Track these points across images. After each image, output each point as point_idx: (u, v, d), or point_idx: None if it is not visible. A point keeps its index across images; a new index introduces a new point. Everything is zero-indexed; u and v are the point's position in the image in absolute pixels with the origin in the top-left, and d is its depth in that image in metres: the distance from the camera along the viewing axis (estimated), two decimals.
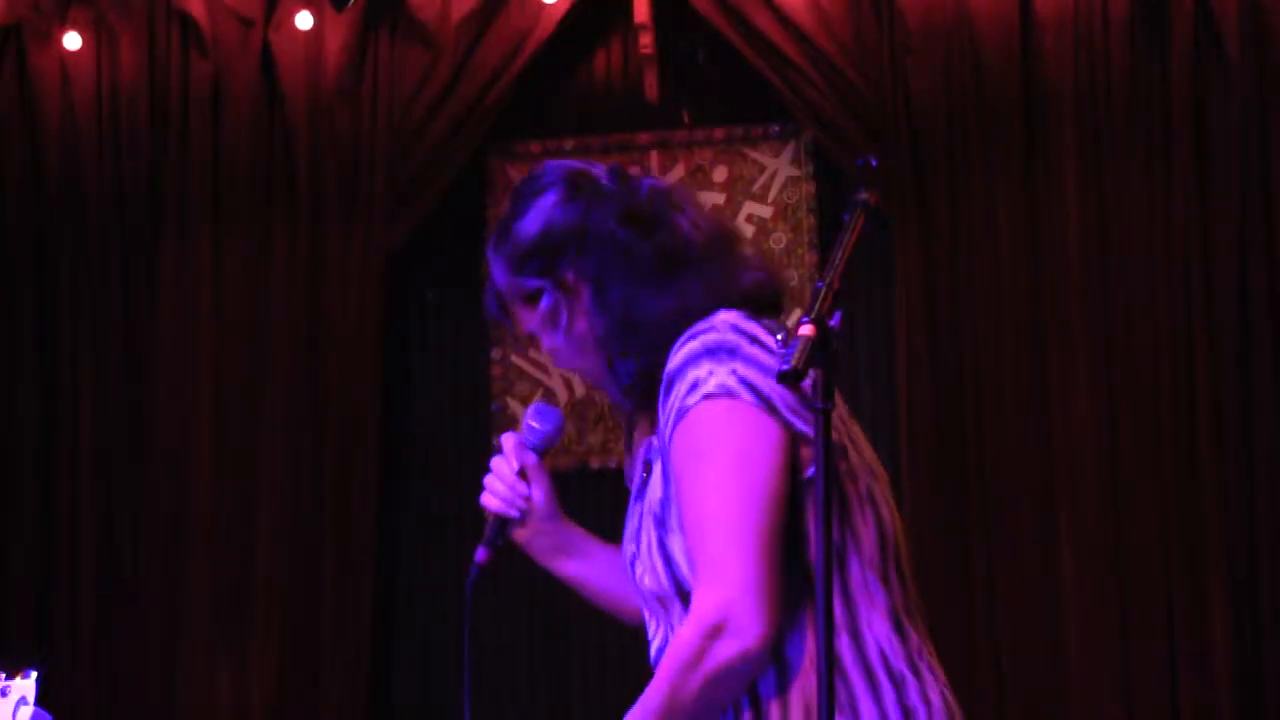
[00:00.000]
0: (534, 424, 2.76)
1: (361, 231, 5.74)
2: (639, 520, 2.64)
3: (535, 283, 2.66)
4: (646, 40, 5.55)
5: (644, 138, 5.77)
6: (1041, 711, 5.36)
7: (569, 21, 5.59)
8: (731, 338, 2.50)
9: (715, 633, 2.42)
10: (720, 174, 5.76)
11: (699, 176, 5.77)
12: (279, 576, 5.79)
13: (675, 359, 2.57)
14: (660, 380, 2.59)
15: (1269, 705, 5.27)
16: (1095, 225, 5.35)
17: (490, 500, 2.76)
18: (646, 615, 2.66)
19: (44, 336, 5.95)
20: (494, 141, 5.77)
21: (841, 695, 2.44)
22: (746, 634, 2.41)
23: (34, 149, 5.88)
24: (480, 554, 2.79)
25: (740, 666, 2.45)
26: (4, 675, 3.18)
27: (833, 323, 2.16)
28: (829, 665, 2.16)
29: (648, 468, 2.69)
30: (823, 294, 2.18)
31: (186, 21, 5.75)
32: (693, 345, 2.56)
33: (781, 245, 5.70)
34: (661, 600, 2.61)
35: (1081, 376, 5.31)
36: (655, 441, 2.67)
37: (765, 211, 5.72)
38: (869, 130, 5.40)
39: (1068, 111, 5.32)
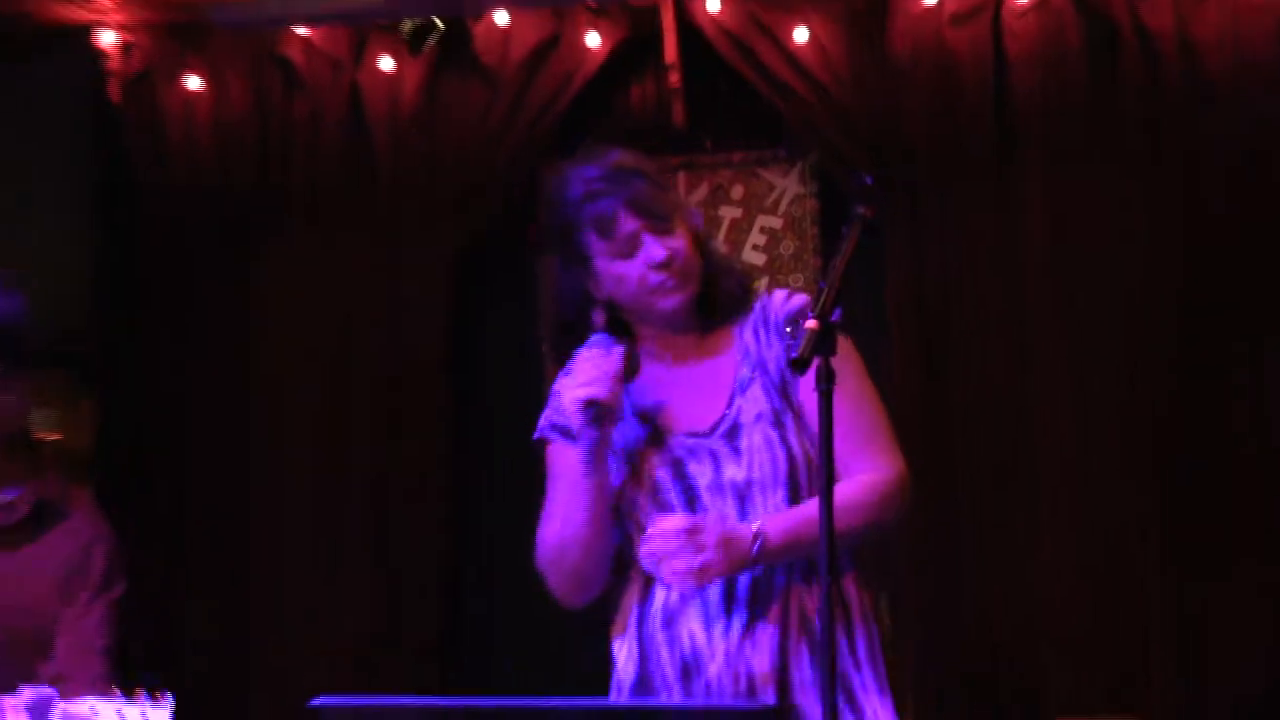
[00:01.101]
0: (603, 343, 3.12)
1: (433, 238, 6.05)
2: (742, 431, 3.10)
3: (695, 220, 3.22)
4: (675, 77, 5.90)
5: (673, 160, 5.98)
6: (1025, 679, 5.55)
7: (610, 61, 5.95)
8: None
9: (899, 488, 3.07)
10: (738, 191, 6.04)
11: (719, 193, 6.05)
12: (368, 529, 6.03)
13: (786, 302, 3.19)
14: (731, 308, 3.20)
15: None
16: (1059, 229, 5.62)
17: (581, 388, 3.03)
18: (702, 505, 3.07)
19: (174, 329, 6.22)
20: (547, 161, 5.80)
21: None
22: (908, 496, 3.10)
23: (164, 170, 6.17)
24: (586, 436, 3.07)
25: (900, 512, 3.12)
26: (145, 699, 3.46)
27: (833, 318, 2.64)
28: (830, 606, 2.59)
29: (756, 370, 3.16)
30: (824, 294, 2.65)
31: (287, 64, 6.10)
32: (796, 297, 3.20)
33: (790, 252, 5.99)
34: (750, 486, 3.07)
35: (1052, 362, 5.59)
36: (749, 362, 3.18)
37: (776, 223, 6.01)
38: (864, 154, 5.65)
39: (1035, 132, 5.62)
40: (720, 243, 3.26)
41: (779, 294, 3.24)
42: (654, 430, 3.17)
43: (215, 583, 6.10)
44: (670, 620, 3.10)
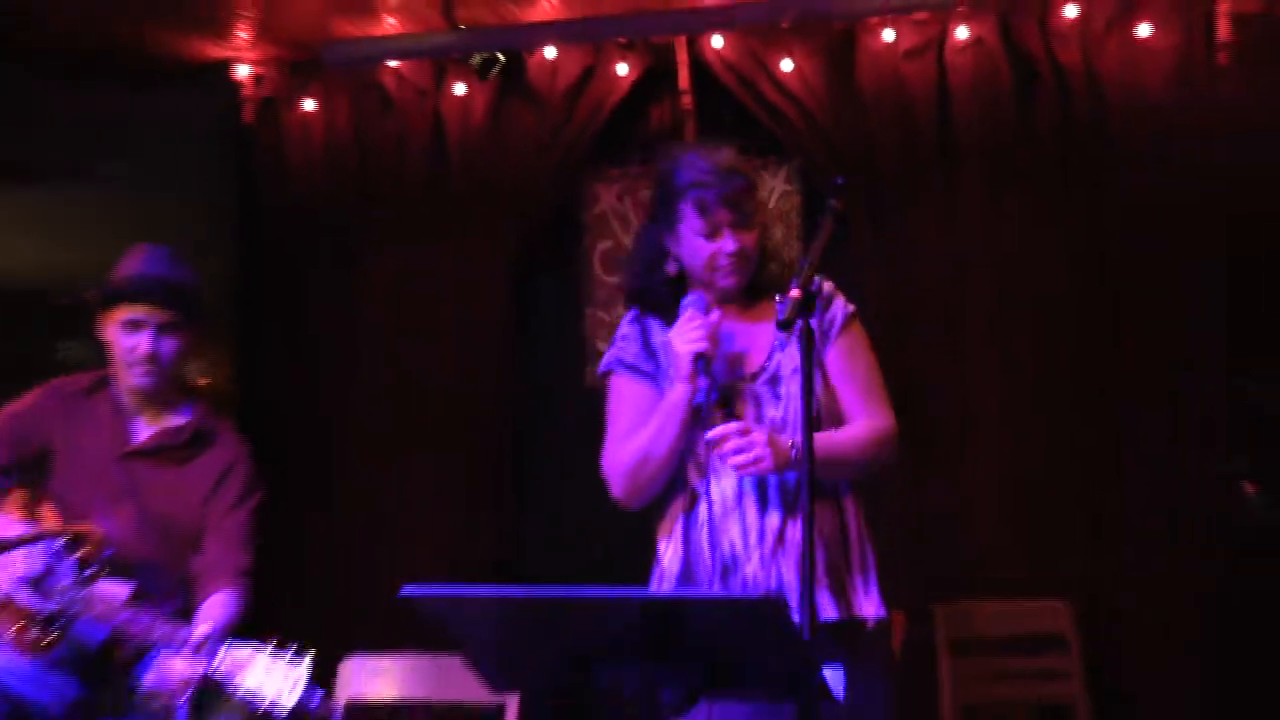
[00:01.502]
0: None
1: (497, 233, 6.44)
2: (782, 381, 3.36)
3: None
4: (687, 100, 6.27)
5: None
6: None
7: (635, 87, 6.34)
8: None
9: (893, 437, 3.38)
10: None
11: None
12: (442, 470, 6.44)
13: (822, 285, 3.43)
14: (771, 286, 3.39)
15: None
16: (990, 226, 5.94)
17: (691, 344, 3.25)
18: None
19: (293, 303, 6.68)
20: (587, 169, 6.46)
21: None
22: (896, 446, 3.40)
23: (283, 180, 6.67)
24: (702, 384, 3.29)
25: (890, 458, 3.42)
26: (291, 652, 3.78)
27: (812, 288, 2.92)
28: (809, 522, 2.82)
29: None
30: (806, 269, 2.93)
31: (382, 91, 6.53)
32: (825, 283, 3.47)
33: (778, 238, 5.05)
34: (785, 424, 3.34)
35: (982, 329, 5.90)
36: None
37: (766, 216, 5.74)
38: (836, 160, 5.95)
39: (972, 145, 5.96)
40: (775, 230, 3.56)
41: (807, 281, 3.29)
42: (712, 382, 3.36)
43: (320, 501, 6.47)
44: (714, 528, 3.32)
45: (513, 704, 3.71)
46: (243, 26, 6.38)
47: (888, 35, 6.06)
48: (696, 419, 3.33)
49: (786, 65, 6.15)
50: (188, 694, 3.83)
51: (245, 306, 6.82)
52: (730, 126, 6.25)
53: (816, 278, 3.18)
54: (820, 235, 3.09)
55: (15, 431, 4.27)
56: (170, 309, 4.21)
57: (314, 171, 6.72)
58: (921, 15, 6.02)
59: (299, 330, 6.73)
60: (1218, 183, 5.65)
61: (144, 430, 4.29)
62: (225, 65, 6.72)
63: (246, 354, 6.85)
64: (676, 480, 3.41)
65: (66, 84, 6.58)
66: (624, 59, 6.39)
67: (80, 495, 4.20)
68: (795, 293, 2.88)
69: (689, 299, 3.38)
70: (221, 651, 3.75)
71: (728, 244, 3.37)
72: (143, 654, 3.99)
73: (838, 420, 3.40)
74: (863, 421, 3.38)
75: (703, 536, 3.33)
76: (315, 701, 3.74)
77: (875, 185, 6.02)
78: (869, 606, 3.34)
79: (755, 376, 3.40)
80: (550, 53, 6.39)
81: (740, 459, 3.16)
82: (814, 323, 3.18)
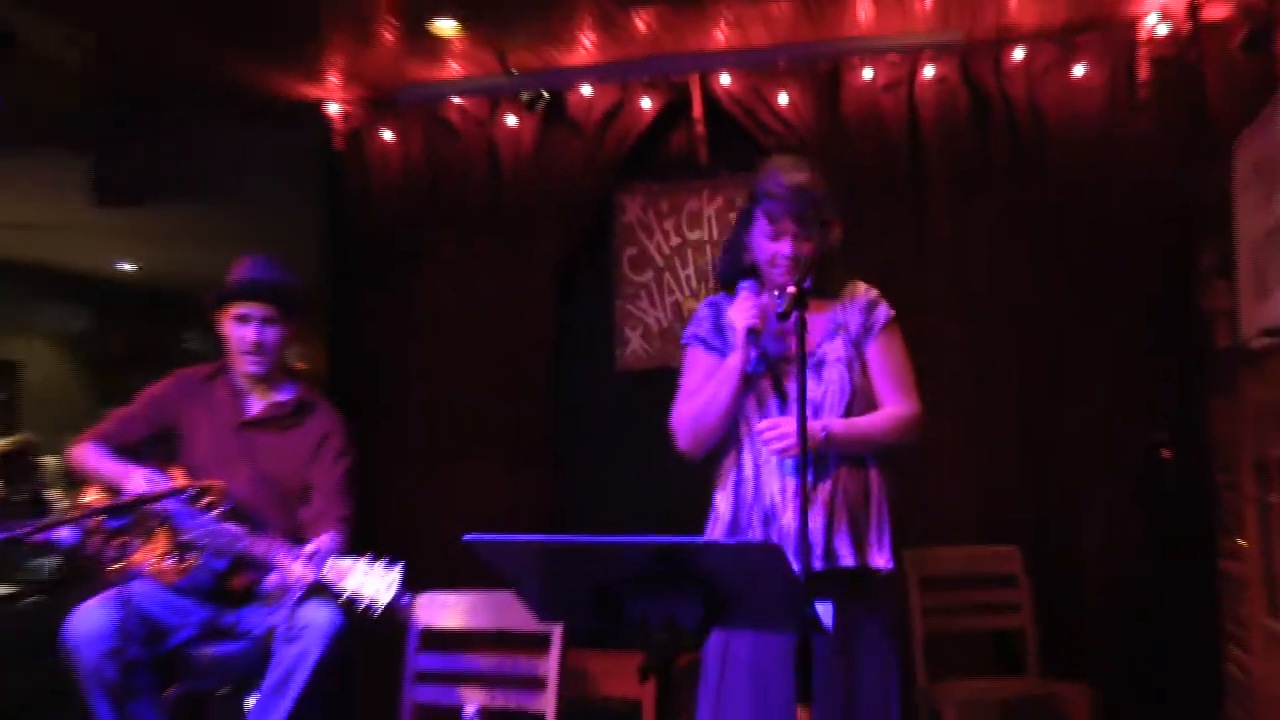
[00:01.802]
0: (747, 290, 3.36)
1: (543, 238, 6.43)
2: (825, 365, 3.34)
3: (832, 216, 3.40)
4: (700, 127, 6.28)
5: (698, 183, 6.35)
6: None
7: (657, 118, 6.33)
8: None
9: (917, 423, 3.35)
10: (741, 200, 5.03)
11: (728, 205, 6.26)
12: (498, 433, 6.40)
13: (866, 292, 3.46)
14: (827, 289, 3.38)
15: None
16: (957, 233, 5.91)
17: (745, 319, 3.26)
18: (789, 408, 3.28)
19: (375, 299, 6.67)
20: (617, 183, 6.44)
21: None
22: (921, 430, 3.37)
23: (366, 196, 6.68)
24: (752, 355, 3.28)
25: (916, 439, 3.39)
26: (386, 562, 3.83)
27: (806, 285, 3.01)
28: (805, 491, 2.92)
29: (839, 330, 3.37)
30: (800, 271, 3.13)
31: (447, 123, 6.54)
32: (873, 291, 3.47)
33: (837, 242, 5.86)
34: (824, 403, 3.32)
35: (948, 318, 5.81)
36: (839, 321, 3.38)
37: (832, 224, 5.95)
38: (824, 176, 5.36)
39: (937, 165, 5.93)
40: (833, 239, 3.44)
41: (862, 286, 3.50)
42: (763, 353, 3.37)
43: (398, 463, 6.48)
44: (757, 482, 3.33)
45: (557, 631, 3.71)
46: (334, 72, 6.42)
47: (867, 73, 6.07)
48: (748, 385, 3.33)
49: (783, 98, 6.15)
50: (300, 593, 3.92)
51: (335, 302, 6.83)
52: (735, 149, 6.28)
53: (864, 285, 3.38)
54: (814, 238, 3.24)
55: (151, 412, 4.37)
56: (272, 305, 4.32)
57: (391, 189, 6.73)
58: (895, 57, 6.03)
59: (380, 320, 6.73)
60: (1137, 193, 5.69)
61: (256, 405, 4.40)
62: (319, 104, 6.74)
63: (337, 342, 6.83)
64: (729, 440, 3.41)
65: (195, 120, 6.68)
66: (647, 94, 6.38)
67: (205, 461, 4.27)
68: (791, 289, 2.94)
69: (744, 283, 3.40)
70: (329, 561, 3.81)
71: (785, 248, 3.36)
72: (261, 575, 4.10)
73: (870, 403, 3.38)
74: (890, 409, 3.36)
75: (748, 490, 3.33)
76: (405, 601, 3.83)
77: (854, 199, 5.80)
78: (880, 559, 3.31)
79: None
80: (586, 90, 6.41)
81: (777, 445, 3.18)
82: (858, 321, 3.34)
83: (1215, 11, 5.19)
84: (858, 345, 3.39)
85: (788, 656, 2.90)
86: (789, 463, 3.28)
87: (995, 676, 5.35)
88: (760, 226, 3.43)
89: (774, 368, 3.39)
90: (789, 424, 3.17)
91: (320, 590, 3.94)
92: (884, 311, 3.42)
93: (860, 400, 3.39)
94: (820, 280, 3.38)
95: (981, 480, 5.82)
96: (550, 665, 3.73)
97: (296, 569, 3.87)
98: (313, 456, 4.30)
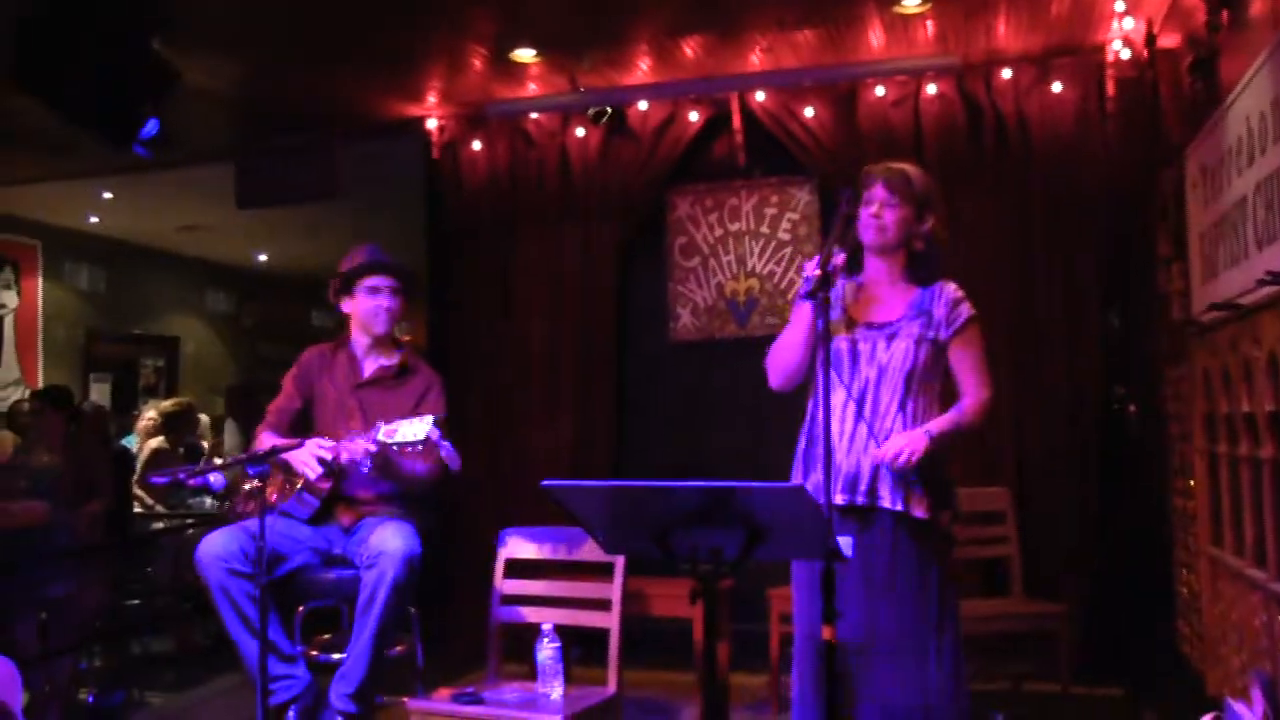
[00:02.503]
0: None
1: (607, 230, 6.43)
2: (898, 337, 3.16)
3: (926, 207, 3.23)
4: (739, 137, 6.26)
5: (738, 182, 6.34)
6: None
7: (703, 129, 6.34)
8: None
9: (989, 406, 3.21)
10: (774, 199, 6.28)
11: (764, 202, 6.29)
12: (577, 397, 6.34)
13: (954, 290, 3.23)
14: (920, 276, 3.22)
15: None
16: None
17: (814, 271, 2.96)
18: (857, 365, 3.15)
19: (468, 283, 6.65)
20: (669, 184, 6.41)
21: None
22: (991, 412, 3.21)
23: (458, 195, 6.67)
24: (811, 297, 2.96)
25: (985, 423, 3.23)
26: (424, 416, 3.85)
27: (830, 267, 2.87)
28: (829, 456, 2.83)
29: (921, 315, 3.18)
30: (825, 252, 2.86)
31: (526, 134, 6.54)
32: (960, 291, 3.25)
33: (804, 233, 6.19)
34: (889, 367, 3.16)
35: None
36: (923, 307, 3.20)
37: (796, 217, 6.24)
38: (844, 177, 5.08)
39: (939, 166, 5.67)
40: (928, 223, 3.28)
41: (953, 285, 3.27)
42: (847, 315, 3.24)
43: (486, 419, 6.47)
44: (822, 421, 3.00)
45: (619, 562, 3.69)
46: (432, 93, 6.42)
47: (879, 91, 6.05)
48: (824, 339, 3.05)
49: (808, 112, 6.13)
50: (369, 461, 3.92)
51: (433, 285, 6.81)
52: (769, 156, 6.29)
53: (954, 285, 3.20)
54: (835, 229, 3.00)
55: (295, 389, 4.38)
56: (397, 278, 4.34)
57: (480, 191, 6.73)
58: (902, 77, 6.00)
59: (470, 301, 6.74)
60: (1104, 190, 5.69)
61: (369, 369, 4.36)
62: (420, 120, 6.75)
63: (435, 319, 6.83)
64: (806, 386, 3.29)
65: (318, 136, 6.68)
66: (694, 108, 6.37)
67: (330, 418, 4.29)
68: (816, 271, 2.81)
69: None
70: (381, 428, 3.84)
71: (870, 210, 3.25)
72: (361, 511, 4.15)
73: (934, 378, 3.23)
74: (970, 398, 3.21)
75: (819, 430, 3.17)
76: (444, 449, 3.85)
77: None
78: (918, 509, 3.12)
79: (880, 327, 3.22)
80: (643, 106, 6.40)
81: (901, 461, 3.04)
82: (943, 313, 3.16)
83: (1168, 40, 5.21)
84: (936, 331, 3.21)
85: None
86: (851, 413, 3.16)
87: (985, 598, 5.34)
88: (864, 195, 3.32)
89: (855, 340, 3.25)
90: (901, 441, 3.04)
91: (390, 505, 4.06)
92: (967, 309, 3.25)
93: (918, 377, 3.21)
94: (915, 267, 3.28)
95: (974, 436, 5.68)
96: (614, 590, 3.72)
97: (360, 444, 3.88)
98: (416, 408, 4.21)
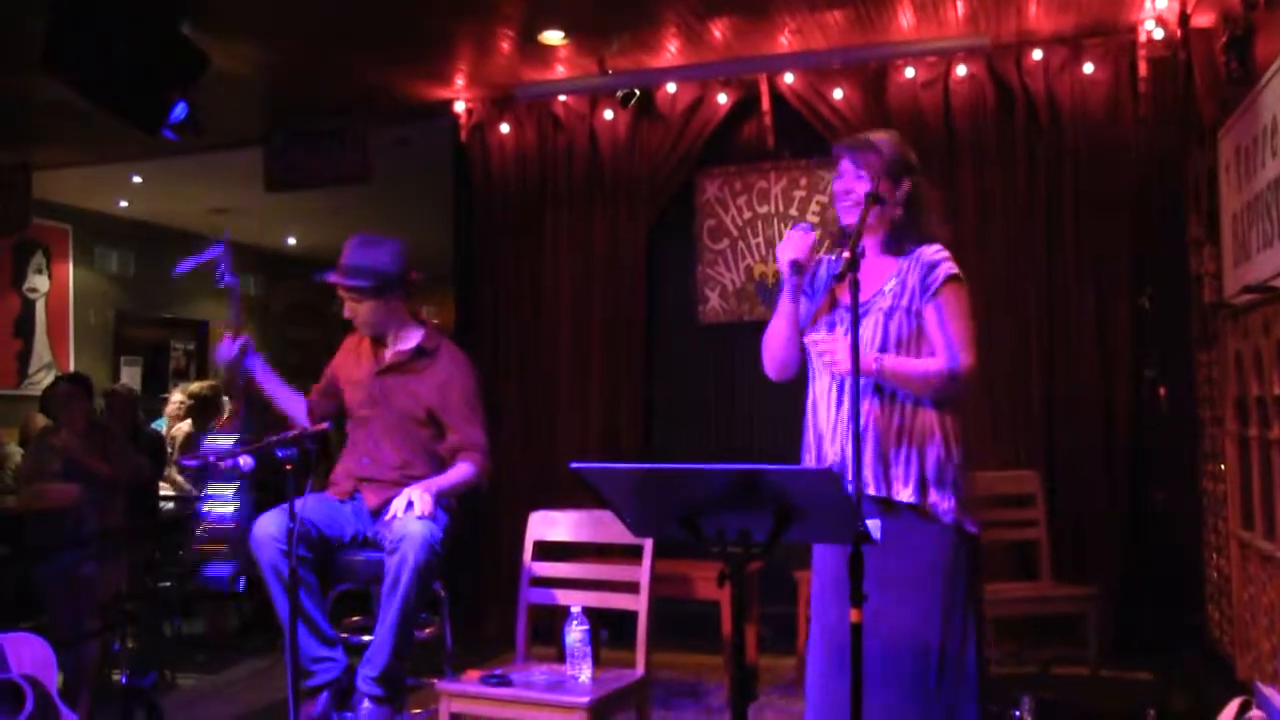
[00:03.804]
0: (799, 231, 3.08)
1: (635, 213, 6.46)
2: (882, 309, 3.02)
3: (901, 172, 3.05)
4: (768, 119, 6.30)
5: (767, 165, 6.35)
6: None
7: (731, 111, 6.35)
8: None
9: (961, 376, 2.97)
10: (803, 181, 6.29)
11: (793, 184, 6.31)
12: (603, 379, 6.35)
13: (932, 253, 3.02)
14: (900, 246, 3.05)
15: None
16: (980, 203, 5.85)
17: (789, 253, 2.99)
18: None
19: (495, 264, 6.69)
20: (698, 167, 6.44)
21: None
22: (972, 382, 3.01)
23: (487, 178, 6.74)
24: (789, 283, 3.01)
25: (958, 393, 3.02)
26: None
27: (809, 249, 2.93)
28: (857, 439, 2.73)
29: (896, 286, 3.01)
30: (854, 236, 2.79)
31: (555, 117, 6.60)
32: (943, 252, 3.04)
33: (833, 216, 4.95)
34: (872, 339, 3.02)
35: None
36: (897, 279, 3.03)
37: (825, 199, 6.20)
38: None
39: (968, 147, 5.90)
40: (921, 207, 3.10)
41: (934, 247, 3.08)
42: (831, 296, 3.14)
43: (515, 401, 6.56)
44: (815, 407, 3.13)
45: (648, 544, 3.65)
46: (460, 76, 6.46)
47: (909, 72, 6.06)
48: (813, 321, 3.05)
49: (838, 94, 6.15)
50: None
51: (462, 264, 6.87)
52: (798, 137, 6.30)
53: (936, 246, 3.03)
54: (863, 211, 2.91)
55: (333, 372, 4.42)
56: (349, 290, 4.19)
57: (508, 173, 6.78)
58: (932, 58, 6.01)
59: (498, 281, 6.78)
60: (1136, 172, 5.68)
61: (389, 355, 4.31)
62: (449, 103, 6.81)
63: (464, 299, 6.88)
64: (804, 372, 3.19)
65: (348, 119, 6.75)
66: (723, 90, 6.38)
67: (357, 406, 4.30)
68: (845, 253, 2.72)
69: (799, 226, 3.14)
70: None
71: (838, 184, 3.11)
72: (389, 496, 4.15)
73: (914, 353, 3.02)
74: (935, 362, 2.99)
75: (810, 418, 3.14)
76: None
77: None
78: (903, 493, 3.00)
79: (864, 304, 3.04)
80: (671, 88, 6.42)
81: (826, 358, 2.97)
82: (918, 278, 3.00)
83: (1202, 20, 5.14)
84: (911, 300, 3.03)
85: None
86: (835, 396, 3.06)
87: (1015, 581, 5.35)
88: (837, 170, 3.17)
89: (826, 308, 3.16)
90: (839, 342, 2.93)
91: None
92: (946, 269, 3.02)
93: (906, 343, 3.04)
94: (898, 237, 3.08)
95: (1003, 415, 5.78)
96: (642, 572, 3.67)
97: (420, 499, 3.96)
98: (436, 394, 4.16)
